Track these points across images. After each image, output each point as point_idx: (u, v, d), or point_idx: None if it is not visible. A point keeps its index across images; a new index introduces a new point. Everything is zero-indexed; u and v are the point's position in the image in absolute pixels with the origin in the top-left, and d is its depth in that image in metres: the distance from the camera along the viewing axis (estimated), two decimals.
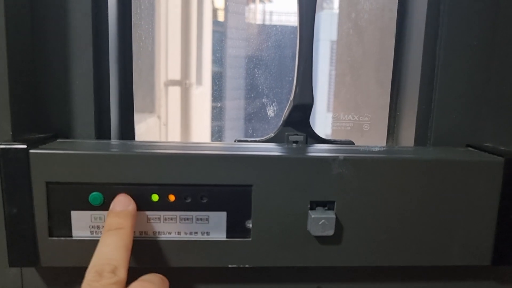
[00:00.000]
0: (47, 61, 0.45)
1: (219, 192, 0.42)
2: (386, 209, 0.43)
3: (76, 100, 0.46)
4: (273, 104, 0.97)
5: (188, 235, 0.42)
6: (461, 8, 0.49)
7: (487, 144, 0.50)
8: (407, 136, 0.55)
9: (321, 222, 0.41)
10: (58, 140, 0.45)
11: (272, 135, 0.53)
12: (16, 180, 0.40)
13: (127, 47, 0.55)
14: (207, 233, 0.42)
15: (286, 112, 0.52)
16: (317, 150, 0.46)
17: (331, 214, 0.42)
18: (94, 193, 0.41)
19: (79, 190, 0.41)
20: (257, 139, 0.53)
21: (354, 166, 0.42)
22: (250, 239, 0.43)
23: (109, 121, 0.49)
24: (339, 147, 0.48)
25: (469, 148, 0.50)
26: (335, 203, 0.43)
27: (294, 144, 0.51)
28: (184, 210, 0.42)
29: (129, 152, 0.41)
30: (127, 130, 0.56)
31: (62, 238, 0.41)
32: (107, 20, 0.48)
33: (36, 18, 0.44)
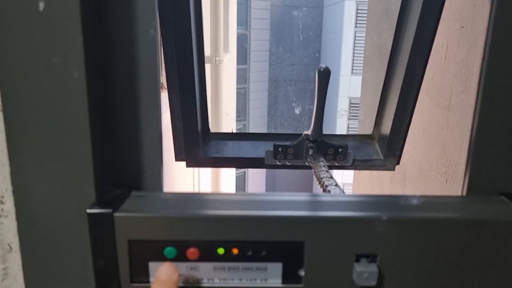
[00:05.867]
0: (118, 119, 0.49)
1: (276, 247, 0.48)
2: (424, 264, 0.49)
3: (146, 154, 0.50)
4: (299, 71, 1.18)
5: (248, 281, 0.49)
6: (501, 51, 0.51)
7: None
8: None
9: (365, 275, 0.48)
10: (132, 194, 0.50)
11: (295, 143, 0.82)
12: (102, 239, 0.45)
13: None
14: (265, 280, 0.49)
15: (305, 132, 0.81)
16: (361, 206, 0.50)
17: (374, 268, 0.48)
18: (168, 247, 0.47)
19: (156, 246, 0.47)
20: (288, 143, 0.84)
21: (395, 225, 0.47)
22: (302, 285, 0.49)
23: None
24: (381, 199, 0.53)
25: (503, 197, 0.54)
26: (378, 257, 0.48)
27: (329, 191, 0.63)
28: (246, 261, 0.48)
29: (198, 215, 0.46)
30: None
31: (142, 284, 0.48)
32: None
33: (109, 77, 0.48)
